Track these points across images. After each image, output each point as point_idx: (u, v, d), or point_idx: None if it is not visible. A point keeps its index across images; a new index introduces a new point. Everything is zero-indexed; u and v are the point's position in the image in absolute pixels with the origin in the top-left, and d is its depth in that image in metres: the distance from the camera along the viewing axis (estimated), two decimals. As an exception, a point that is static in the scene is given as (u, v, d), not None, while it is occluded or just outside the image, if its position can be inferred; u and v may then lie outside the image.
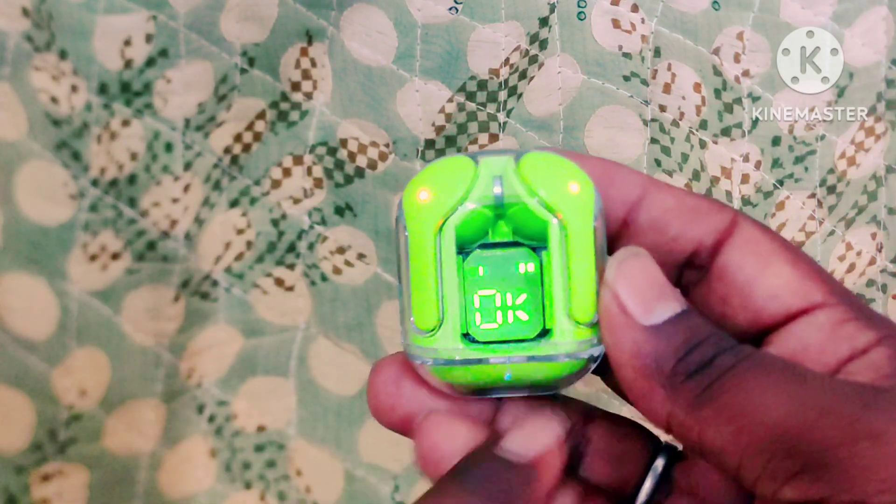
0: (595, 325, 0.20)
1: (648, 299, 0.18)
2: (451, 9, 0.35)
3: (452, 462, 0.20)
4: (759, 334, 0.20)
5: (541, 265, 0.21)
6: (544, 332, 0.21)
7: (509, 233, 0.21)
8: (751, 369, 0.17)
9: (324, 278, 0.35)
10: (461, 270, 0.21)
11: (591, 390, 0.34)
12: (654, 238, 0.20)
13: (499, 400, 0.22)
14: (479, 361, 0.21)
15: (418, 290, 0.20)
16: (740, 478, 0.17)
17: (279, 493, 0.35)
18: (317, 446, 0.35)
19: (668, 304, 0.19)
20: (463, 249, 0.21)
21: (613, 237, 0.21)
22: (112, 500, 0.32)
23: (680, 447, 0.22)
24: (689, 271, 0.21)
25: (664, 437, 0.22)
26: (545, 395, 0.22)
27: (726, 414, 0.17)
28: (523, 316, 0.21)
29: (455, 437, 0.20)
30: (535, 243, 0.21)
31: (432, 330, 0.21)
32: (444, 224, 0.20)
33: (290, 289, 0.35)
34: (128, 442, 0.33)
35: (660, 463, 0.22)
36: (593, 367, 0.21)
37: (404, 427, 0.22)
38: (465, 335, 0.21)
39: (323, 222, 0.35)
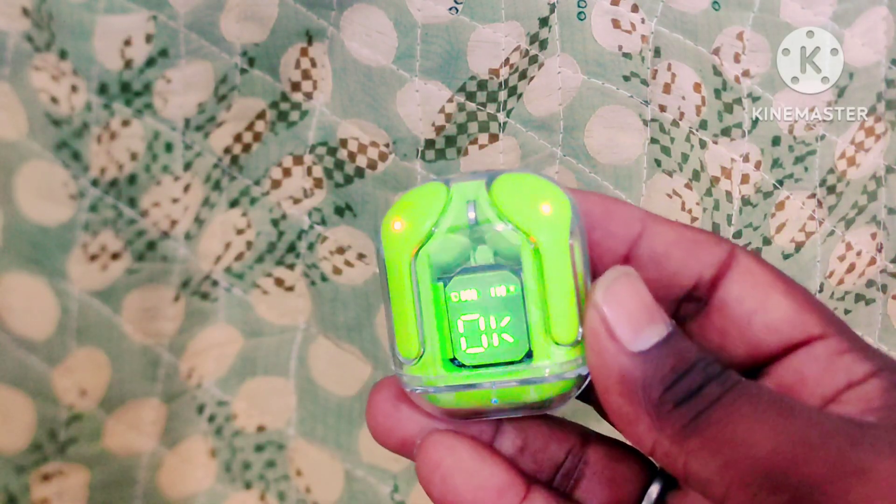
0: (579, 344, 0.20)
1: (637, 323, 0.18)
2: (451, 9, 0.35)
3: (455, 480, 0.20)
4: (757, 366, 0.20)
5: (522, 287, 0.21)
6: (531, 354, 0.21)
7: (491, 256, 0.21)
8: (738, 400, 0.17)
9: (324, 278, 0.35)
10: (438, 297, 0.21)
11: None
12: (656, 272, 0.20)
13: (499, 420, 0.22)
14: (466, 387, 0.21)
15: (399, 320, 0.21)
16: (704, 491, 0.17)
17: (279, 493, 0.35)
18: (317, 446, 0.35)
19: (656, 328, 0.18)
20: (446, 275, 0.21)
21: None
22: (112, 500, 0.32)
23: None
24: (687, 304, 0.21)
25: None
26: (538, 415, 0.22)
27: (713, 446, 0.17)
28: (508, 339, 0.21)
29: (457, 455, 0.21)
30: (516, 265, 0.21)
31: (416, 358, 0.21)
32: (418, 252, 0.20)
33: (290, 289, 0.35)
34: (128, 442, 0.33)
35: (654, 490, 0.22)
36: (584, 385, 0.21)
37: (403, 449, 0.22)
38: (453, 360, 0.21)
39: (323, 222, 0.35)
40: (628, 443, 0.22)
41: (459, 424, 0.22)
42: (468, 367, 0.21)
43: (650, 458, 0.19)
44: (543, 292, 0.20)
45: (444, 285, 0.21)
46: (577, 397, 0.22)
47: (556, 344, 0.20)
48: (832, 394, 0.19)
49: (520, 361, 0.21)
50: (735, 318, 0.20)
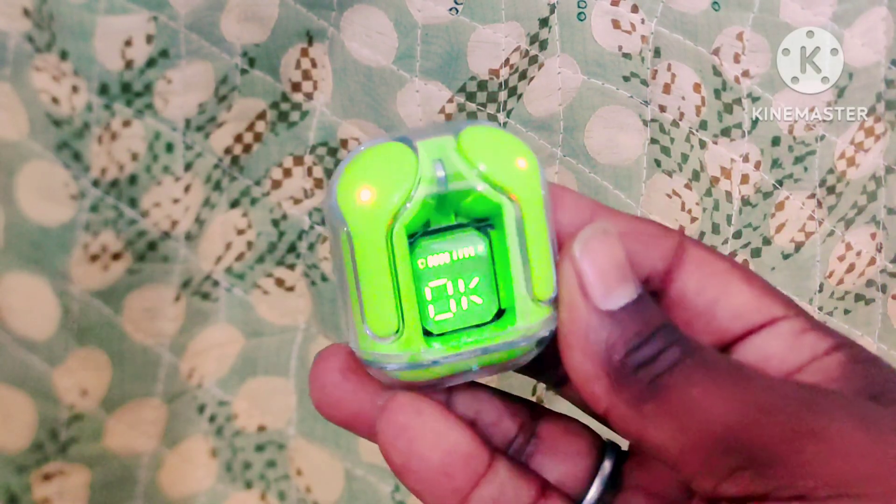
0: (553, 302, 0.19)
1: (610, 282, 0.18)
2: (451, 9, 0.35)
3: (422, 444, 0.20)
4: (720, 351, 0.20)
5: (490, 245, 0.20)
6: (500, 313, 0.20)
7: (451, 215, 0.20)
8: (695, 366, 0.17)
9: (324, 278, 0.35)
10: (413, 267, 0.19)
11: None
12: None
13: (449, 391, 0.22)
14: (443, 361, 0.19)
15: (373, 297, 0.19)
16: (678, 471, 0.18)
17: (279, 493, 0.35)
18: (317, 446, 0.35)
19: (627, 289, 0.18)
20: (411, 239, 0.19)
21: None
22: (113, 500, 0.32)
23: (625, 447, 0.22)
24: None
25: (609, 436, 0.22)
26: (490, 388, 0.22)
27: (668, 411, 0.17)
28: (477, 300, 0.20)
29: (425, 418, 0.20)
30: (479, 223, 0.20)
31: (392, 335, 0.19)
32: (393, 225, 0.19)
33: (291, 289, 0.36)
34: (129, 442, 0.33)
35: (607, 465, 0.22)
36: (549, 338, 0.20)
37: (352, 422, 0.21)
38: (423, 330, 0.20)
39: (323, 223, 0.35)
40: (578, 419, 0.22)
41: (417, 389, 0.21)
42: (439, 335, 0.20)
43: (604, 423, 0.19)
44: (526, 249, 0.19)
45: (412, 249, 0.19)
46: (523, 371, 0.22)
47: (538, 301, 0.19)
48: (795, 368, 0.19)
49: (490, 322, 0.20)
50: (698, 309, 0.20)
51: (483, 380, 0.22)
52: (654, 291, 0.20)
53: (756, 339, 0.19)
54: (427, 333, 0.20)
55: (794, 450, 0.16)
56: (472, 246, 0.20)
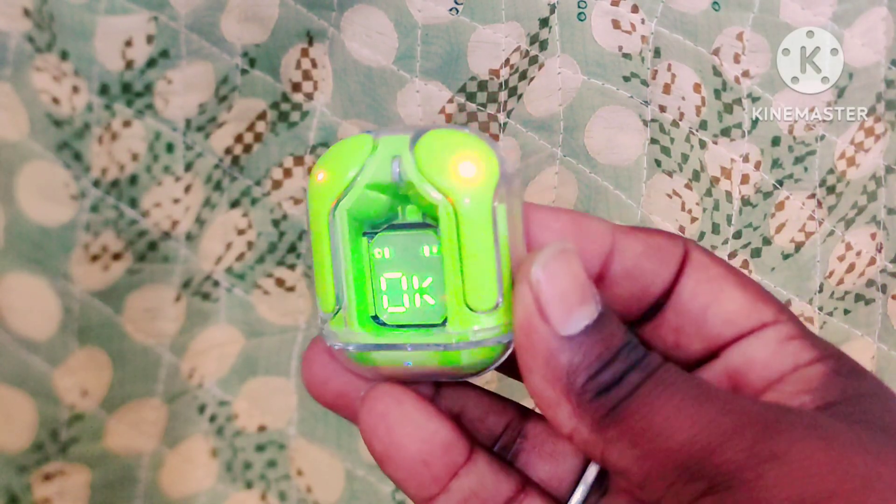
0: (496, 311, 0.19)
1: (570, 305, 0.18)
2: (451, 9, 0.35)
3: (401, 432, 0.20)
4: (710, 356, 0.20)
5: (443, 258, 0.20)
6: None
7: (419, 214, 0.20)
8: (655, 390, 0.17)
9: (324, 278, 0.35)
10: (359, 252, 0.20)
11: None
12: (630, 287, 0.20)
13: (437, 385, 0.22)
14: (381, 347, 0.20)
15: (318, 273, 0.20)
16: (644, 496, 0.17)
17: (280, 493, 0.35)
18: (317, 446, 0.35)
19: (587, 309, 0.18)
20: (374, 230, 0.20)
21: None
22: (113, 500, 0.32)
23: None
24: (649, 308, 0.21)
25: None
26: (476, 385, 0.22)
27: (630, 436, 0.17)
28: (430, 300, 0.20)
29: (404, 407, 0.20)
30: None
31: (332, 313, 0.20)
32: (337, 205, 0.19)
33: (291, 289, 0.36)
34: (129, 442, 0.33)
35: (592, 469, 0.22)
36: (503, 357, 0.20)
37: (338, 402, 0.21)
38: (375, 318, 0.20)
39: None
40: None
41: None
42: (389, 326, 0.20)
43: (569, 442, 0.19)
44: (460, 256, 0.19)
45: (370, 239, 0.20)
46: (509, 373, 0.22)
47: (471, 310, 0.19)
48: (777, 377, 0.19)
49: (439, 325, 0.20)
50: (690, 315, 0.20)
51: (485, 380, 0.22)
52: (660, 303, 0.20)
53: (743, 344, 0.19)
54: (382, 324, 0.20)
55: (757, 474, 0.16)
56: (427, 245, 0.20)
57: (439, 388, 0.22)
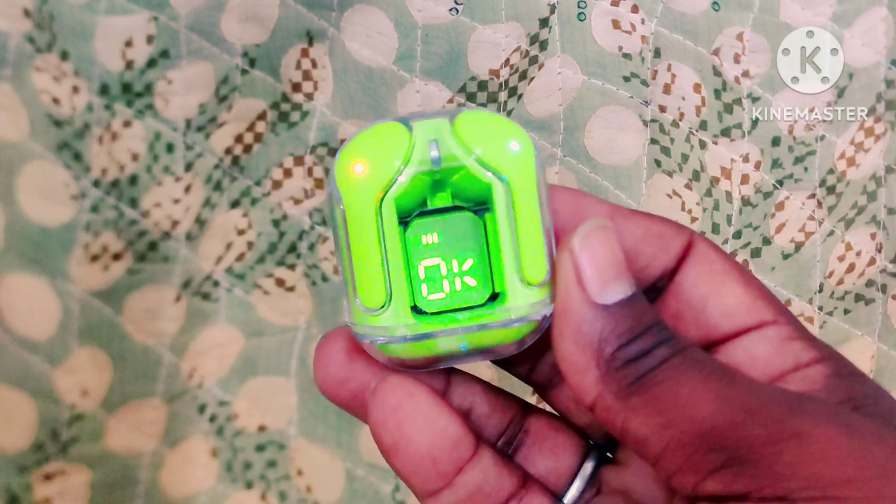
0: (546, 285, 0.20)
1: (606, 277, 0.18)
2: (451, 9, 0.35)
3: (411, 426, 0.20)
4: (707, 347, 0.20)
5: (485, 228, 0.20)
6: (494, 296, 0.20)
7: (448, 197, 0.20)
8: (683, 364, 0.18)
9: (324, 279, 0.35)
10: (403, 242, 0.20)
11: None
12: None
13: (448, 382, 0.22)
14: (432, 335, 0.19)
15: (362, 269, 0.19)
16: (658, 467, 0.18)
17: (280, 493, 0.35)
18: (318, 446, 0.35)
19: (622, 285, 0.19)
20: (402, 219, 0.20)
21: None
22: (114, 500, 0.33)
23: (609, 455, 0.23)
24: (648, 292, 0.21)
25: (594, 437, 0.23)
26: (499, 362, 0.22)
27: (654, 405, 0.17)
28: (471, 282, 0.20)
29: (416, 401, 0.20)
30: (477, 206, 0.20)
31: (380, 308, 0.19)
32: (383, 198, 0.19)
33: (291, 289, 0.36)
34: (129, 442, 0.33)
35: (589, 466, 0.22)
36: (544, 328, 0.20)
37: (353, 402, 0.21)
38: (414, 307, 0.20)
39: (324, 223, 0.35)
40: (568, 419, 0.22)
41: (415, 373, 0.21)
42: (430, 314, 0.20)
43: (587, 410, 0.19)
44: (516, 231, 0.19)
45: (404, 228, 0.20)
46: (504, 366, 0.22)
47: (528, 284, 0.19)
48: (778, 374, 0.19)
49: (482, 305, 0.20)
50: (690, 302, 0.20)
51: (486, 377, 0.22)
52: (660, 288, 0.21)
53: (744, 341, 0.20)
54: (420, 313, 0.20)
55: (777, 451, 0.16)
56: (466, 227, 0.20)
57: (450, 382, 0.22)
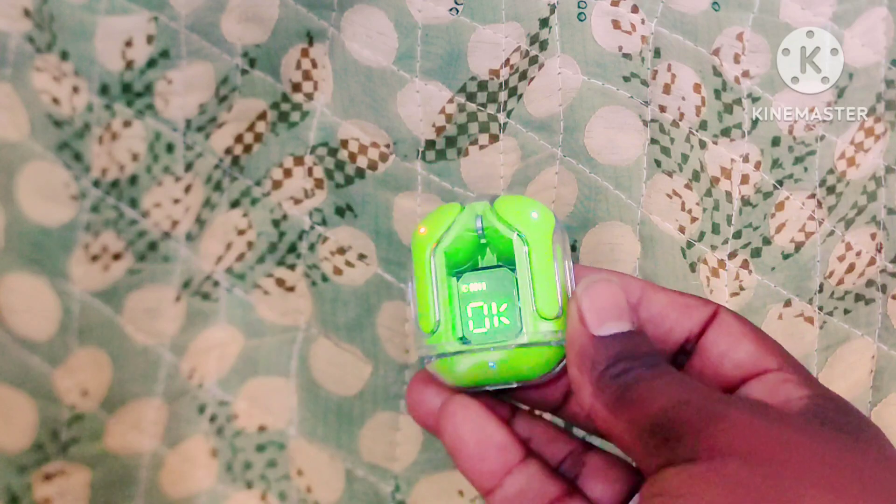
0: (559, 319, 0.25)
1: (603, 316, 0.24)
2: (451, 10, 0.35)
3: (463, 429, 0.25)
4: None
5: (516, 281, 0.26)
6: (521, 332, 0.26)
7: (495, 259, 0.27)
8: (653, 378, 0.22)
9: (324, 279, 0.35)
10: (452, 287, 0.26)
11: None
12: (653, 330, 0.25)
13: (512, 413, 0.27)
14: (470, 352, 0.26)
15: (421, 302, 0.26)
16: (632, 457, 0.22)
17: (280, 493, 0.35)
18: (317, 446, 0.35)
19: (619, 324, 0.23)
20: (459, 273, 0.27)
21: None
22: (114, 500, 0.33)
23: None
24: (681, 355, 0.25)
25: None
26: (532, 386, 0.27)
27: (628, 410, 0.22)
28: (506, 321, 0.26)
29: (468, 410, 0.25)
30: (511, 265, 0.27)
31: (432, 332, 0.26)
32: (435, 248, 0.26)
33: (291, 289, 0.36)
34: (129, 442, 0.33)
35: (636, 500, 0.24)
36: (562, 364, 0.26)
37: (428, 419, 0.26)
38: (462, 339, 0.26)
39: (324, 223, 0.35)
40: (620, 456, 0.26)
41: (476, 397, 0.26)
42: (474, 343, 0.26)
43: (587, 417, 0.24)
44: (532, 276, 0.26)
45: (458, 279, 0.27)
46: (566, 419, 0.27)
47: (541, 318, 0.25)
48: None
49: (514, 339, 0.26)
50: (710, 360, 0.24)
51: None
52: (689, 351, 0.25)
53: (748, 386, 0.23)
54: (468, 342, 0.26)
55: (700, 428, 0.20)
56: (505, 279, 0.27)
57: (514, 414, 0.27)
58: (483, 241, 0.27)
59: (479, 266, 0.27)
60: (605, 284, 0.24)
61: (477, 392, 0.26)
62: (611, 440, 0.23)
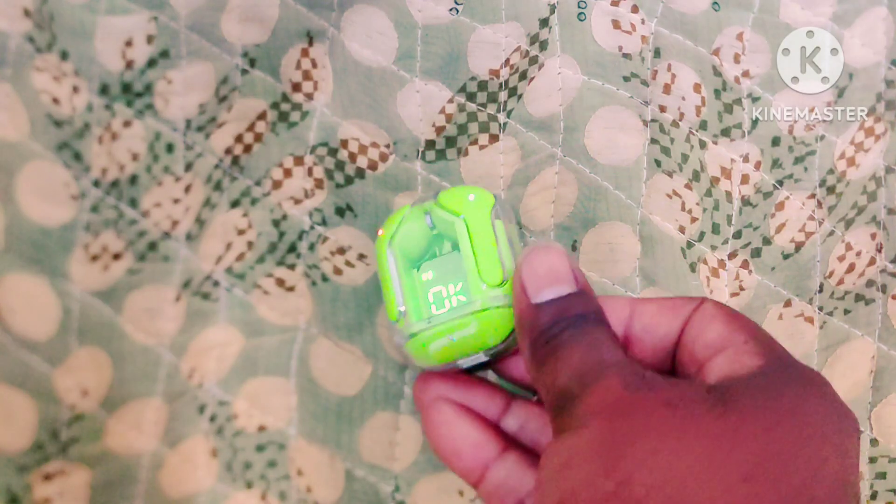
0: (503, 286, 0.27)
1: (540, 283, 0.25)
2: (451, 10, 0.35)
3: (439, 430, 0.27)
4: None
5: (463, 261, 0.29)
6: None
7: (449, 248, 0.30)
8: (572, 344, 0.24)
9: (324, 279, 0.35)
10: (411, 277, 0.29)
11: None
12: (650, 340, 0.26)
13: (507, 403, 0.28)
14: (433, 329, 0.28)
15: (385, 293, 0.29)
16: (549, 413, 0.24)
17: (280, 493, 0.35)
18: (317, 446, 0.35)
19: (556, 288, 0.25)
20: (419, 263, 0.30)
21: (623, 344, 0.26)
22: (113, 500, 0.33)
23: None
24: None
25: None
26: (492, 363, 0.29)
27: (547, 375, 0.24)
28: (462, 298, 0.29)
29: (442, 413, 0.27)
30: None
31: (397, 319, 0.29)
32: (389, 243, 0.29)
33: (291, 289, 0.36)
34: (129, 442, 0.33)
35: None
36: (511, 339, 0.28)
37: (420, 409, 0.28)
38: (428, 321, 0.28)
39: (324, 223, 0.35)
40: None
41: (462, 394, 0.28)
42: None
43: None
44: (472, 249, 0.28)
45: (417, 270, 0.30)
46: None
47: (487, 285, 0.28)
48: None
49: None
50: (687, 345, 0.25)
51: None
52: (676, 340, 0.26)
53: (713, 360, 0.24)
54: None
55: (581, 395, 0.22)
56: (456, 261, 0.29)
57: (509, 407, 0.28)
58: (435, 231, 0.30)
59: (438, 256, 0.30)
60: (543, 251, 0.26)
61: (460, 386, 0.28)
62: (537, 393, 0.25)
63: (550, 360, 0.24)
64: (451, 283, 0.29)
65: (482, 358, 0.28)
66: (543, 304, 0.25)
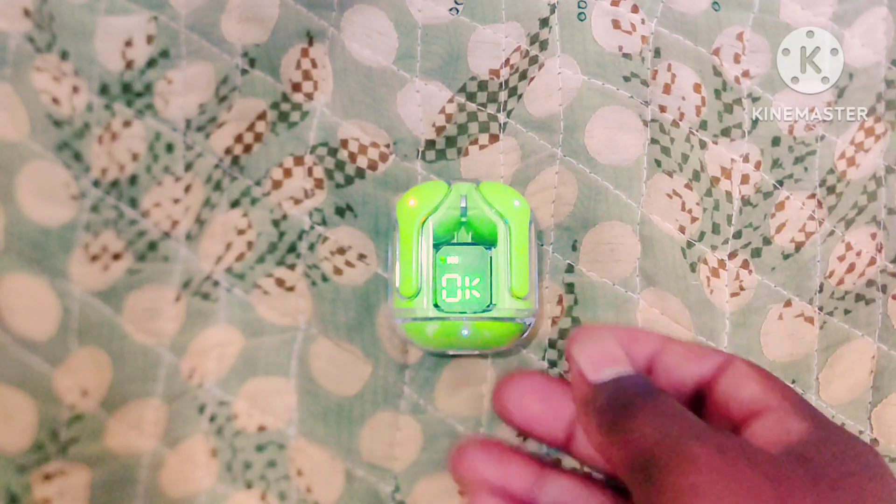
0: (527, 300, 0.29)
1: (597, 366, 0.26)
2: (451, 10, 0.35)
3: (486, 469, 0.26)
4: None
5: (490, 259, 0.31)
6: (490, 307, 0.30)
7: (469, 237, 0.31)
8: (644, 408, 0.23)
9: (324, 279, 0.35)
10: (435, 258, 0.30)
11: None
12: (669, 376, 0.26)
13: (542, 478, 0.27)
14: (444, 318, 0.30)
15: (405, 268, 0.30)
16: (629, 490, 0.23)
17: (280, 493, 0.35)
18: (317, 446, 0.35)
19: (612, 370, 0.25)
20: (437, 245, 0.30)
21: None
22: (113, 500, 0.32)
23: None
24: (696, 403, 0.26)
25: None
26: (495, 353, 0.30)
27: (620, 439, 0.23)
28: (476, 294, 0.30)
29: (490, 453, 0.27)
30: (486, 244, 0.31)
31: (412, 296, 0.29)
32: (424, 222, 0.30)
33: (291, 289, 0.36)
34: (129, 442, 0.33)
35: None
36: (526, 333, 0.30)
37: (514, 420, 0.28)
38: (436, 306, 0.30)
39: (323, 223, 0.35)
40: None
41: (499, 470, 0.27)
42: (446, 311, 0.30)
43: (599, 454, 0.25)
44: (510, 258, 0.29)
45: (437, 251, 0.30)
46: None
47: (514, 296, 0.29)
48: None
49: (482, 311, 0.30)
50: (720, 402, 0.25)
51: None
52: (699, 391, 0.26)
53: (754, 423, 0.24)
54: (440, 309, 0.30)
55: (670, 467, 0.21)
56: (477, 256, 0.31)
57: (544, 482, 0.28)
58: (463, 219, 0.30)
59: (455, 241, 0.31)
60: (594, 343, 0.26)
61: (495, 460, 0.27)
62: (609, 463, 0.24)
63: (621, 422, 0.23)
64: (469, 275, 0.30)
65: (474, 352, 0.30)
66: (601, 385, 0.25)
